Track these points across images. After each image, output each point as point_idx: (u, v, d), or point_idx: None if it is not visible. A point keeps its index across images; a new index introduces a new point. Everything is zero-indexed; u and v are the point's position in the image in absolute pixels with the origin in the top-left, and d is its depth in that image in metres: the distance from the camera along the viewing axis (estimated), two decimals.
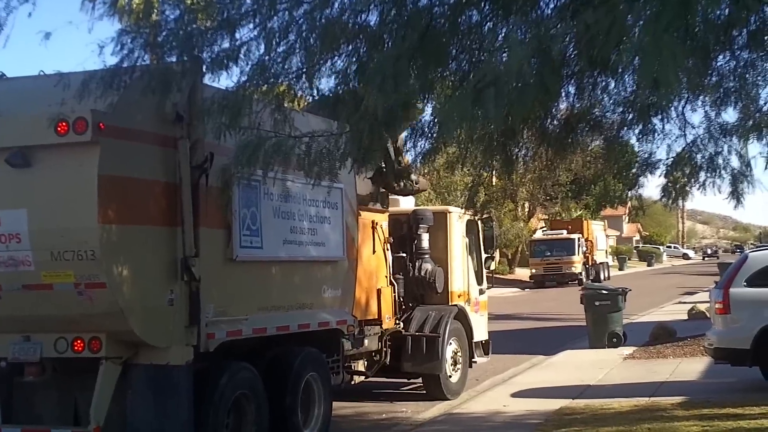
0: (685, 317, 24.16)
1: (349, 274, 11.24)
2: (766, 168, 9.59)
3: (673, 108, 8.48)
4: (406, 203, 15.51)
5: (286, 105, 7.67)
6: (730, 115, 8.88)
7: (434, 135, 8.03)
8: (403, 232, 13.70)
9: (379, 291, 12.63)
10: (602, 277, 54.13)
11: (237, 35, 7.43)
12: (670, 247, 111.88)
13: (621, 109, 8.58)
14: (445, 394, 13.55)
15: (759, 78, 8.08)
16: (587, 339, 19.55)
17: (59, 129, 7.60)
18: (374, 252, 12.54)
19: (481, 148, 8.67)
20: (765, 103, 8.70)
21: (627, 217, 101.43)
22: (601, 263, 57.12)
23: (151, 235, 8.31)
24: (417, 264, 13.67)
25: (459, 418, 12.03)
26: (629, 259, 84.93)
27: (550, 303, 35.71)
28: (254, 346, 9.53)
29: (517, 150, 9.35)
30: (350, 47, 6.97)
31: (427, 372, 13.61)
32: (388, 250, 13.03)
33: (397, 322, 13.22)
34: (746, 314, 12.78)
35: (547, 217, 63.61)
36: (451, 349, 13.76)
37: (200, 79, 7.95)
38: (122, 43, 7.64)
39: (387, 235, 12.97)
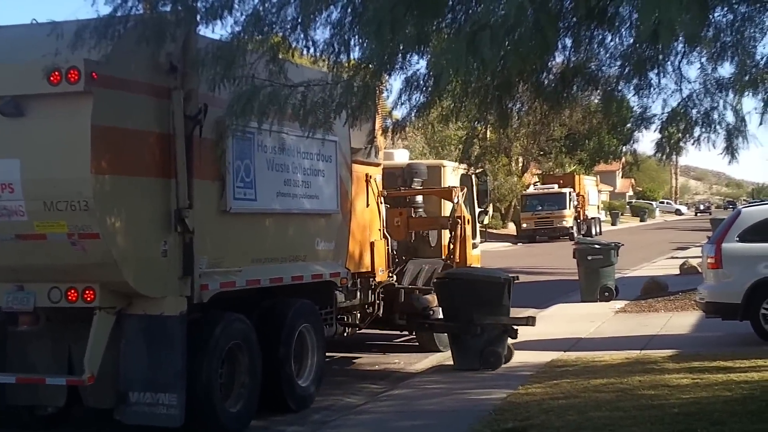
0: (677, 272, 24.31)
1: (342, 227, 11.25)
2: (760, 123, 9.56)
3: (669, 62, 8.44)
4: (400, 157, 15.47)
5: (280, 56, 7.60)
6: (726, 70, 8.84)
7: (429, 88, 7.99)
8: (397, 185, 13.72)
9: (372, 244, 12.63)
10: (593, 232, 54.07)
11: None
12: (663, 202, 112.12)
13: (617, 63, 8.54)
14: (437, 346, 13.69)
15: (756, 32, 8.03)
16: (579, 293, 19.68)
17: (52, 78, 7.54)
18: (368, 205, 12.56)
19: (476, 102, 8.63)
20: (762, 58, 8.66)
21: (621, 173, 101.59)
22: (592, 218, 57.12)
23: (145, 186, 8.28)
24: None
25: (450, 369, 12.13)
26: (622, 215, 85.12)
27: (543, 257, 35.87)
28: (248, 297, 9.56)
29: (511, 104, 9.31)
30: None
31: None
32: (381, 203, 13.05)
33: (390, 275, 13.25)
34: (738, 269, 12.88)
35: (540, 171, 63.50)
36: None
37: (194, 29, 7.86)
38: None
39: (381, 189, 12.99)
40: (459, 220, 13.80)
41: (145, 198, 8.28)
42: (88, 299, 8.18)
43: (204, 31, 7.94)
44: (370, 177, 12.66)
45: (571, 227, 51.38)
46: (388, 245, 13.13)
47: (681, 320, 15.60)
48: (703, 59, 8.57)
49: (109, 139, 7.81)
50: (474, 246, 15.35)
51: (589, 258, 19.39)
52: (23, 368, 8.76)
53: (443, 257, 14.09)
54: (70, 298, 8.23)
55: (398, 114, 9.29)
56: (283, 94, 7.27)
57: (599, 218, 60.97)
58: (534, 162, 61.26)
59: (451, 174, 14.79)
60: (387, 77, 7.80)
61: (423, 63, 7.61)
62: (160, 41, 7.52)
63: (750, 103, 11.31)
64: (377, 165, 13.00)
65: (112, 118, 7.86)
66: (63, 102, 7.66)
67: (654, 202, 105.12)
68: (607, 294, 19.15)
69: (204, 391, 8.61)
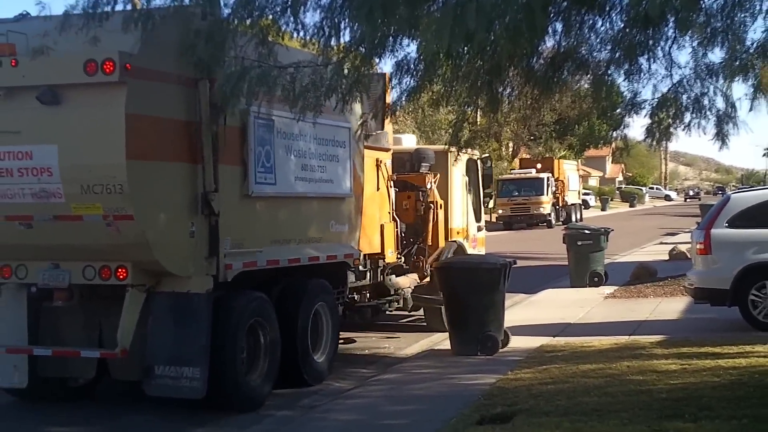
0: (666, 258, 24.37)
1: (355, 210, 11.71)
2: (750, 109, 9.57)
3: (659, 47, 8.42)
4: (408, 142, 15.76)
5: (270, 39, 7.57)
6: (716, 56, 8.83)
7: (419, 72, 7.96)
8: (406, 170, 14.10)
9: (382, 227, 12.97)
10: (573, 219, 51.54)
11: None
12: (652, 188, 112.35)
13: (608, 48, 8.51)
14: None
15: (747, 17, 8.01)
16: (569, 278, 19.71)
17: (88, 69, 7.95)
18: (378, 189, 12.93)
19: (467, 86, 8.61)
20: (752, 44, 8.64)
21: (610, 158, 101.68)
22: (572, 204, 54.83)
23: (174, 171, 8.72)
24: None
25: (440, 354, 12.16)
26: (612, 200, 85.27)
27: (532, 242, 35.91)
28: (267, 276, 10.05)
29: (502, 88, 9.29)
30: None
31: (427, 304, 13.99)
32: (391, 187, 13.40)
33: (399, 256, 13.57)
34: (727, 255, 12.90)
35: (530, 156, 63.20)
36: None
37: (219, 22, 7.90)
38: None
39: (390, 173, 13.33)
40: (432, 205, 14.09)
41: (175, 182, 8.72)
42: (121, 277, 8.70)
43: (193, 12, 7.89)
44: (380, 161, 13.00)
45: (549, 214, 49.64)
46: (397, 228, 13.45)
47: (670, 306, 15.64)
48: (694, 44, 8.56)
49: (141, 127, 8.22)
50: (479, 229, 16.08)
51: (579, 243, 19.41)
52: (56, 342, 9.29)
53: (452, 239, 14.57)
54: (103, 275, 8.74)
55: (389, 98, 9.28)
56: (272, 76, 7.25)
57: (580, 204, 58.45)
58: (524, 147, 61.18)
59: (456, 159, 14.74)
60: (377, 61, 7.77)
61: (413, 47, 7.59)
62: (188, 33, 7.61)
63: (740, 89, 11.30)
64: (387, 150, 13.32)
65: (144, 107, 8.26)
66: (98, 91, 8.07)
67: (644, 188, 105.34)
68: (596, 279, 19.18)
69: (227, 365, 9.05)
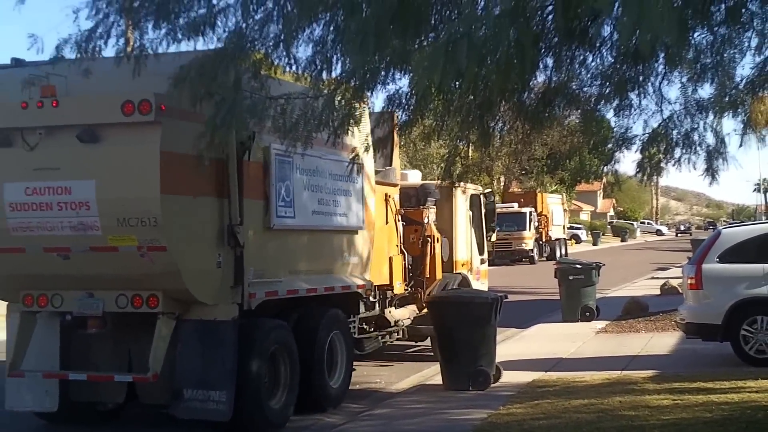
0: (658, 292, 24.37)
1: (367, 243, 12.21)
2: (740, 145, 9.63)
3: (649, 83, 8.49)
4: (413, 177, 16.31)
5: (262, 72, 7.61)
6: (706, 91, 8.89)
7: (411, 106, 8.00)
8: (412, 204, 14.56)
9: (390, 259, 13.49)
10: (558, 254, 49.83)
11: (214, 1, 7.38)
12: (643, 222, 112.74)
13: (598, 83, 8.57)
14: None
15: (736, 53, 8.08)
16: (560, 312, 19.68)
17: (126, 109, 8.44)
18: (387, 222, 13.43)
19: (458, 120, 8.64)
20: (741, 80, 8.72)
21: (602, 193, 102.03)
22: (557, 240, 53.17)
23: (203, 204, 9.19)
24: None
25: (432, 389, 12.09)
26: (603, 234, 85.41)
27: (516, 277, 35.88)
28: (284, 305, 10.51)
29: (493, 123, 9.33)
30: (328, 15, 6.92)
31: (434, 334, 13.93)
32: (399, 221, 13.95)
33: (407, 288, 14.09)
34: (718, 290, 12.89)
35: (521, 190, 63.06)
36: None
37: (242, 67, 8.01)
38: (97, 7, 7.59)
39: (398, 207, 13.90)
40: (429, 239, 14.49)
41: (204, 215, 9.21)
42: (152, 305, 9.14)
43: (186, 46, 7.93)
44: (389, 196, 13.57)
45: (531, 250, 48.16)
46: (404, 260, 13.99)
47: (661, 341, 15.62)
48: (684, 80, 8.63)
49: (174, 163, 8.68)
50: (482, 262, 16.75)
51: (571, 278, 19.41)
52: (86, 367, 9.70)
53: (457, 271, 15.23)
54: (135, 303, 9.19)
55: (380, 132, 9.31)
56: (262, 107, 7.28)
57: (565, 239, 56.74)
58: (516, 181, 61.24)
59: (462, 194, 15.80)
60: (369, 95, 7.80)
61: (405, 81, 7.63)
62: (214, 78, 7.70)
63: (730, 125, 11.41)
64: (395, 185, 13.92)
65: (176, 145, 8.70)
66: (135, 130, 8.54)
67: (635, 223, 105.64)
68: (588, 314, 19.16)
69: (252, 389, 9.47)
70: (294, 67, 7.44)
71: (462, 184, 15.31)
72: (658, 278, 30.26)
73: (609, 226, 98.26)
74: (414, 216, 14.52)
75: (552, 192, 61.02)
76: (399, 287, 13.69)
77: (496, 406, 10.33)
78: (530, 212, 48.91)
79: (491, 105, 8.14)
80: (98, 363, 9.75)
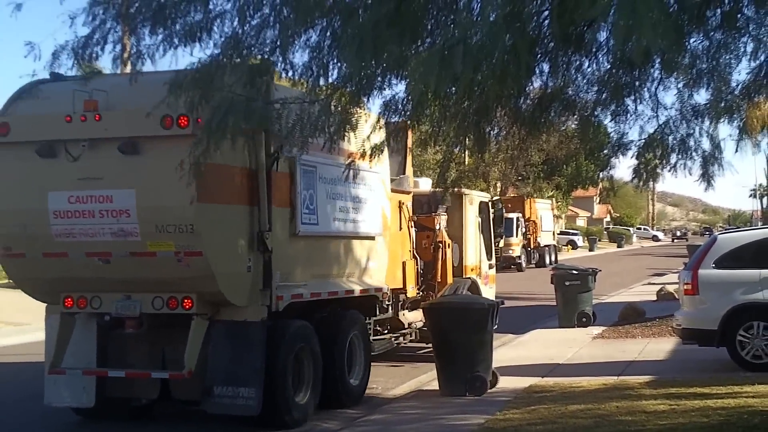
0: (654, 298, 24.38)
1: (383, 248, 12.80)
2: (736, 150, 9.64)
3: (645, 88, 8.49)
4: (424, 185, 16.59)
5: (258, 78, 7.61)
6: (702, 97, 8.90)
7: (407, 112, 8.01)
8: (423, 211, 15.17)
9: (404, 263, 14.07)
10: (547, 261, 49.13)
11: (210, 7, 7.38)
12: (640, 228, 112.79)
13: (595, 89, 8.57)
14: None
15: (732, 59, 8.09)
16: (557, 318, 19.68)
17: (165, 123, 8.95)
18: (400, 229, 13.99)
19: (454, 126, 8.65)
20: (737, 85, 8.73)
21: (598, 198, 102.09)
22: (546, 246, 51.66)
23: (236, 212, 9.73)
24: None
25: (429, 394, 12.10)
26: (599, 240, 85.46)
27: (514, 283, 35.88)
28: (307, 307, 10.97)
29: (489, 128, 9.34)
30: (324, 21, 6.92)
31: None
32: (412, 227, 14.49)
33: (419, 291, 14.63)
34: (714, 296, 12.91)
35: (516, 195, 62.71)
36: None
37: (271, 80, 8.16)
38: (94, 14, 7.60)
39: (411, 214, 14.46)
40: (440, 245, 15.08)
41: (236, 222, 9.74)
42: (187, 307, 9.66)
43: (182, 52, 7.94)
44: (403, 203, 14.09)
45: (519, 257, 46.58)
46: (417, 265, 14.54)
47: (658, 346, 15.62)
48: (680, 86, 8.64)
49: (210, 174, 8.93)
50: (490, 266, 17.41)
51: (567, 284, 19.41)
52: (122, 365, 10.28)
53: (467, 276, 15.85)
54: (171, 305, 9.72)
55: (376, 138, 9.32)
56: (258, 111, 7.29)
57: (555, 246, 54.92)
58: (512, 187, 61.17)
59: (470, 202, 16.52)
60: (365, 100, 7.81)
61: (401, 87, 7.63)
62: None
63: (726, 130, 11.42)
64: (408, 193, 14.45)
65: (214, 156, 8.81)
66: (173, 142, 8.91)
67: (631, 228, 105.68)
68: (584, 320, 19.16)
69: (279, 386, 10.00)
70: (290, 73, 7.45)
71: (470, 191, 16.41)
72: (654, 284, 30.27)
73: (605, 232, 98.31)
74: (426, 222, 15.12)
75: (548, 198, 60.88)
76: (412, 291, 14.26)
77: (492, 412, 10.33)
78: (517, 218, 47.11)
79: (487, 110, 8.14)
80: (133, 361, 10.30)
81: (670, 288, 24.02)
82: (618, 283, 31.87)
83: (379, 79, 6.81)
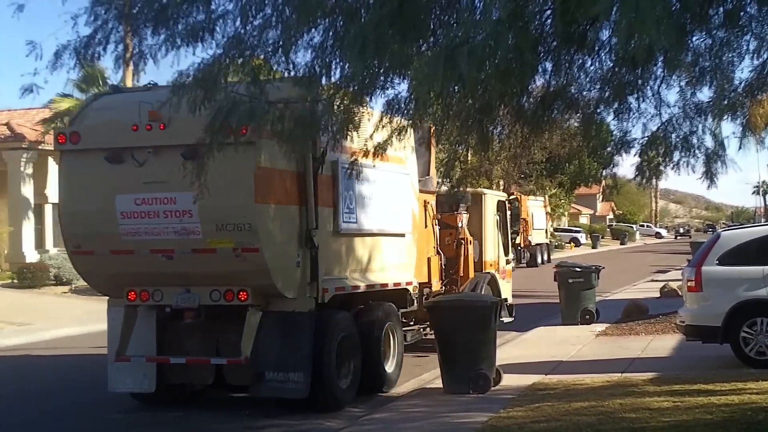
0: (658, 295, 24.36)
1: (412, 245, 13.75)
2: (739, 148, 9.64)
3: (648, 86, 8.49)
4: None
5: (261, 78, 7.62)
6: (705, 95, 8.90)
7: (410, 111, 8.01)
8: (445, 210, 16.12)
9: (429, 259, 15.01)
10: (539, 261, 48.07)
11: (212, 7, 7.38)
12: (643, 225, 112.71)
13: (597, 87, 8.57)
14: None
15: (734, 57, 8.08)
16: (560, 316, 19.67)
17: (226, 131, 9.13)
18: (426, 226, 14.89)
19: (457, 125, 8.65)
20: (740, 83, 8.71)
21: (601, 196, 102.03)
22: (538, 245, 49.85)
23: (287, 212, 10.60)
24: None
25: (432, 392, 12.10)
26: (602, 238, 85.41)
27: (522, 279, 35.86)
28: (346, 299, 11.84)
29: (492, 127, 9.34)
30: (327, 21, 6.92)
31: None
32: (436, 225, 15.46)
33: (443, 285, 15.61)
34: (718, 292, 12.90)
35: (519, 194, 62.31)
36: None
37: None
38: (96, 13, 7.60)
39: (435, 212, 15.41)
40: (462, 241, 16.17)
41: (288, 221, 10.61)
42: (242, 298, 10.51)
43: (185, 53, 7.94)
44: (428, 203, 14.99)
45: None
46: (440, 260, 15.53)
47: (661, 343, 15.62)
48: (683, 84, 8.62)
49: (265, 176, 10.13)
50: (507, 262, 18.46)
51: (570, 281, 19.40)
52: (180, 353, 11.12)
53: (486, 271, 16.86)
54: (227, 297, 10.55)
55: (379, 137, 9.32)
56: (261, 111, 7.30)
57: (547, 245, 53.63)
58: (515, 185, 61.05)
59: (490, 200, 17.66)
60: (368, 99, 7.81)
61: (404, 86, 7.63)
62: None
63: (729, 128, 11.39)
64: (432, 192, 15.41)
65: (267, 161, 10.11)
66: (233, 149, 9.24)
67: (634, 226, 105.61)
68: (587, 317, 19.15)
69: (324, 372, 10.85)
70: (293, 73, 7.45)
71: (489, 191, 17.67)
72: (657, 281, 30.25)
73: (608, 229, 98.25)
74: (449, 220, 16.06)
75: (551, 195, 60.80)
76: (436, 284, 15.22)
77: (496, 410, 10.33)
78: None
79: (491, 109, 8.15)
80: (188, 349, 11.15)
81: (674, 285, 24.01)
82: (621, 281, 31.84)
83: (381, 78, 6.81)
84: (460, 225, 16.16)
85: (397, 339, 12.82)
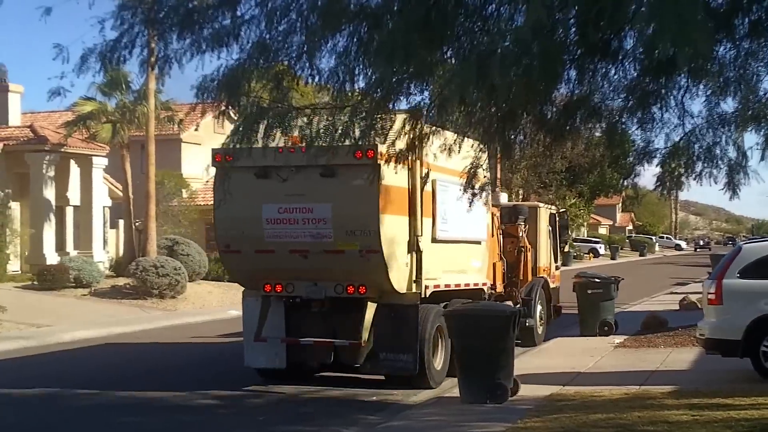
0: (677, 307, 24.23)
1: (486, 251, 16.03)
2: (762, 159, 9.57)
3: (672, 96, 8.45)
4: (503, 199, 20.21)
5: (285, 84, 7.65)
6: (729, 105, 8.85)
7: (433, 117, 8.01)
8: (505, 221, 18.36)
9: (494, 264, 17.16)
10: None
11: (238, 12, 7.41)
12: (662, 237, 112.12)
13: (621, 96, 8.54)
14: (535, 341, 18.04)
15: (760, 68, 8.04)
16: (578, 327, 19.60)
17: (357, 155, 11.73)
18: (493, 236, 17.03)
19: (480, 132, 8.64)
20: (765, 94, 8.66)
21: (621, 207, 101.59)
22: None
23: (401, 221, 12.87)
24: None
25: (449, 402, 12.07)
26: (621, 249, 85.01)
27: None
28: (437, 295, 13.66)
29: (514, 135, 9.31)
30: (351, 27, 6.94)
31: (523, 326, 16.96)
32: (500, 234, 17.81)
33: (505, 287, 17.71)
34: (738, 306, 12.80)
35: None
36: (539, 309, 18.53)
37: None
38: (123, 18, 7.65)
39: (500, 223, 17.83)
40: (522, 249, 18.36)
41: (401, 228, 12.87)
42: (362, 292, 12.76)
43: (209, 57, 7.97)
44: (494, 215, 17.29)
45: None
46: (503, 265, 17.79)
47: (681, 356, 15.53)
48: (707, 94, 8.58)
49: (386, 192, 12.41)
50: (557, 268, 20.94)
51: (589, 292, 19.33)
52: (306, 336, 13.05)
53: (540, 275, 18.98)
54: (349, 291, 12.81)
55: (401, 143, 9.32)
56: (289, 117, 7.32)
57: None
58: (534, 194, 60.90)
59: (544, 213, 19.98)
60: (391, 106, 7.82)
61: (426, 93, 7.63)
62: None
63: (752, 139, 11.33)
64: (498, 206, 18.08)
65: (387, 179, 12.34)
66: (361, 169, 11.94)
67: (654, 237, 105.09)
68: (606, 328, 19.07)
69: (425, 354, 13.07)
70: (317, 78, 7.47)
71: (543, 204, 20.32)
72: (677, 293, 30.07)
73: (627, 241, 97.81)
74: (510, 230, 18.35)
75: (570, 205, 60.58)
76: (499, 286, 17.36)
77: (513, 420, 10.29)
78: None
79: (514, 117, 8.13)
80: (311, 333, 13.03)
81: (693, 297, 23.88)
82: (640, 292, 31.69)
83: (406, 84, 6.81)
84: (520, 234, 18.36)
85: None
